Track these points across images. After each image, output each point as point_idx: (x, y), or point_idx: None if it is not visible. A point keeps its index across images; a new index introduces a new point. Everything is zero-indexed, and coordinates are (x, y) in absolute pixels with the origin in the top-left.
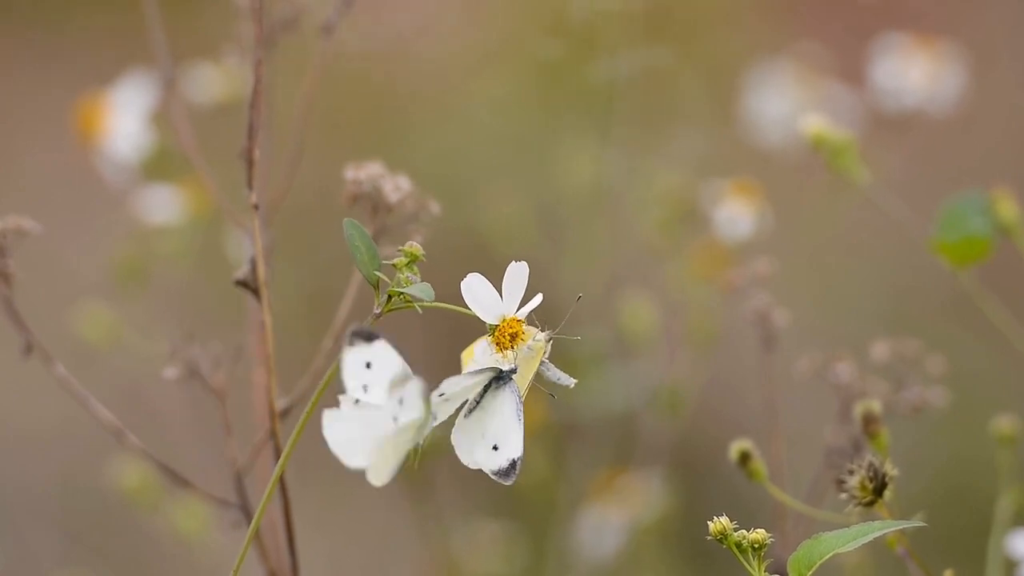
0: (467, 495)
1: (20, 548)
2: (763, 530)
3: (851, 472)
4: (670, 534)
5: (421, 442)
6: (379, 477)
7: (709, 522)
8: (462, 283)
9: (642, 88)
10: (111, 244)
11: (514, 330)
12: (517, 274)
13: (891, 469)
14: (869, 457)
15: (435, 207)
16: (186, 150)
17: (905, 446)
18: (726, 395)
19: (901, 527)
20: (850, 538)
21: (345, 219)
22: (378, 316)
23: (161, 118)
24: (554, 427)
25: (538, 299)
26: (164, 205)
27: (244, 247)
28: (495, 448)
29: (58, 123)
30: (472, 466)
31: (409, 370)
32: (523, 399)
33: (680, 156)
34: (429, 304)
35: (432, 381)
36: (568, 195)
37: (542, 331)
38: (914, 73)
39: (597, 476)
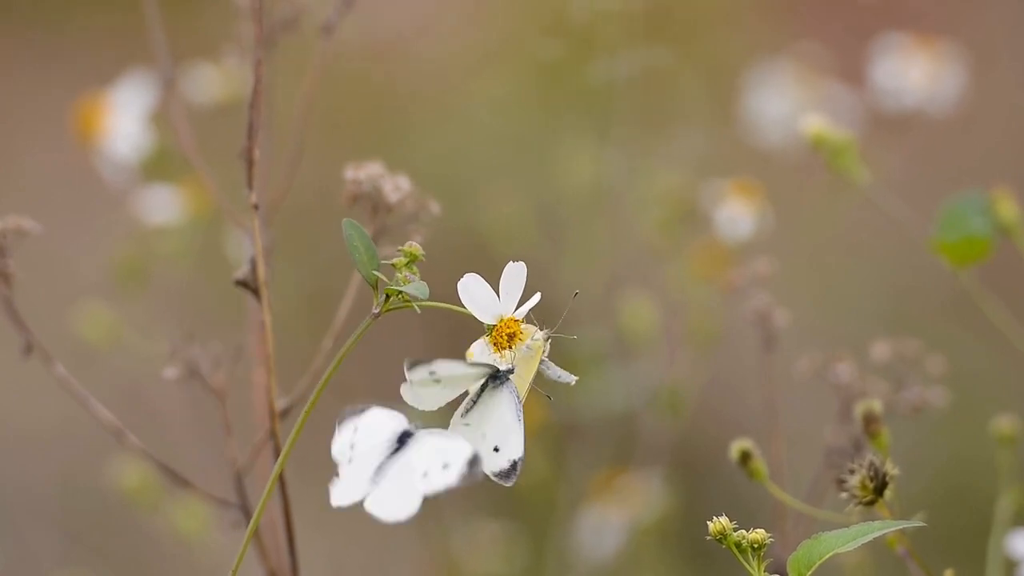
0: (467, 495)
1: (20, 548)
2: (763, 530)
3: (852, 471)
4: (670, 534)
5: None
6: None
7: (709, 522)
8: (459, 284)
9: (642, 88)
10: (111, 244)
11: (512, 330)
12: (515, 274)
13: (892, 468)
14: (870, 456)
15: (435, 207)
16: (186, 150)
17: (905, 446)
18: (726, 395)
19: (901, 527)
20: (850, 538)
21: (344, 219)
22: (377, 316)
23: (161, 118)
24: (554, 427)
25: (536, 298)
26: (164, 205)
27: (244, 247)
28: (496, 450)
29: (58, 123)
30: None
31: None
32: (524, 399)
33: (680, 156)
34: (427, 304)
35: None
36: (568, 195)
37: (541, 330)
38: (914, 73)
39: (597, 476)
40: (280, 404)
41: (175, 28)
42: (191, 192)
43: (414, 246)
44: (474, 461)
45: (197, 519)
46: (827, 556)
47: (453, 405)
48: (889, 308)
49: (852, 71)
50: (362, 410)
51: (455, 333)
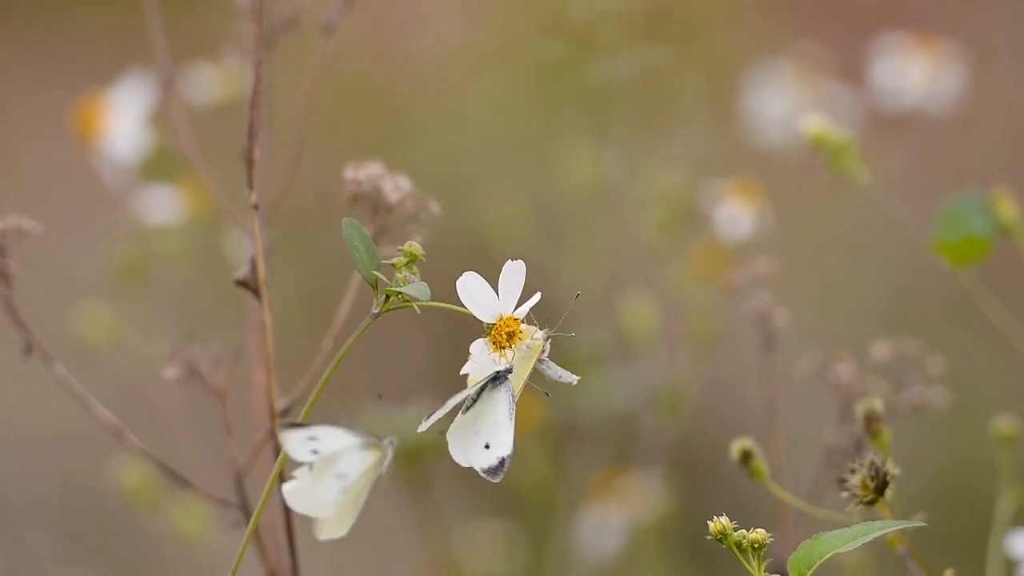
0: (467, 495)
1: (20, 548)
2: (763, 530)
3: (852, 471)
4: (670, 534)
5: (384, 471)
6: (337, 531)
7: (709, 522)
8: (457, 283)
9: (642, 88)
10: (111, 244)
11: (511, 329)
12: (514, 273)
13: (892, 468)
14: (870, 456)
15: (435, 207)
16: (186, 150)
17: (905, 446)
18: (726, 395)
19: (902, 527)
20: (850, 538)
21: (344, 219)
22: (377, 316)
23: (161, 118)
24: (554, 427)
25: (536, 298)
26: (164, 205)
27: (244, 247)
28: (487, 447)
29: (58, 123)
30: (464, 464)
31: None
32: (517, 397)
33: (680, 156)
34: (427, 304)
35: (431, 380)
36: (568, 195)
37: (540, 329)
38: (914, 73)
39: (597, 476)
40: (280, 404)
41: (175, 28)
42: (191, 192)
43: (414, 246)
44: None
45: (197, 519)
46: (827, 556)
47: (453, 413)
48: (889, 308)
49: (852, 71)
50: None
51: (455, 333)
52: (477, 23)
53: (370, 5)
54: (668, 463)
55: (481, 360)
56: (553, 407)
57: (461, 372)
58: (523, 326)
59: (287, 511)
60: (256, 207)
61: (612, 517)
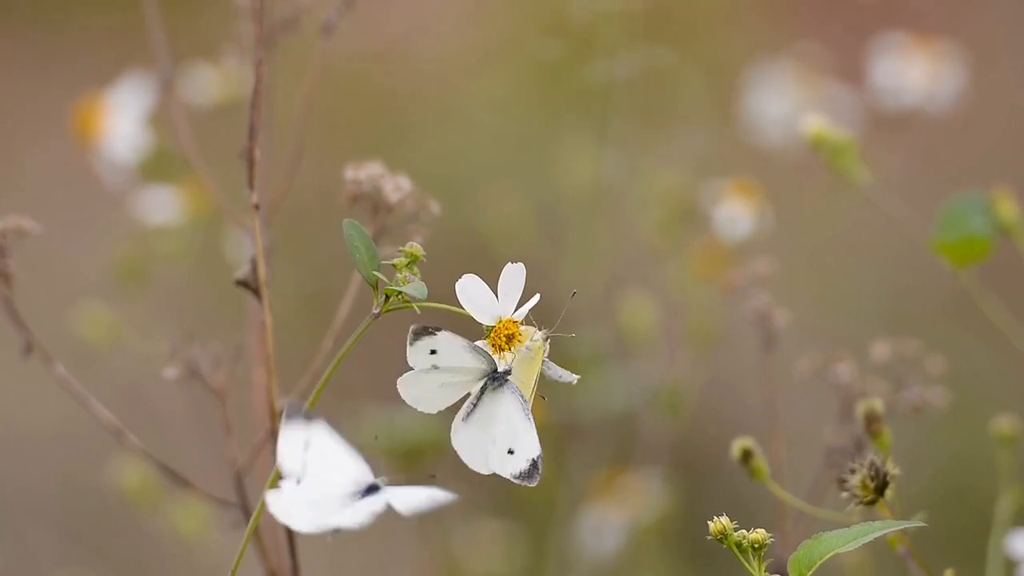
0: (467, 495)
1: (20, 548)
2: (763, 530)
3: (852, 471)
4: (670, 534)
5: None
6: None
7: (709, 522)
8: (456, 285)
9: (642, 88)
10: (111, 244)
11: (510, 331)
12: (514, 275)
13: (892, 468)
14: (870, 456)
15: (435, 207)
16: (185, 150)
17: (905, 446)
18: (726, 395)
19: (902, 527)
20: (851, 538)
21: (345, 219)
22: (377, 316)
23: (160, 118)
24: (554, 427)
25: (535, 299)
26: (163, 206)
27: (244, 247)
28: (511, 452)
29: (58, 123)
30: (485, 472)
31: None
32: (531, 402)
33: (680, 156)
34: (427, 304)
35: None
36: (568, 195)
37: (540, 330)
38: (913, 72)
39: (597, 476)
40: (280, 404)
41: (175, 28)
42: (191, 192)
43: (415, 247)
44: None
45: (197, 519)
46: (828, 556)
47: (452, 410)
48: (889, 308)
49: (852, 71)
50: (311, 417)
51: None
52: (477, 23)
53: (370, 5)
54: (668, 463)
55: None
56: (553, 407)
57: None
58: (522, 328)
59: None
60: (256, 207)
61: (612, 517)
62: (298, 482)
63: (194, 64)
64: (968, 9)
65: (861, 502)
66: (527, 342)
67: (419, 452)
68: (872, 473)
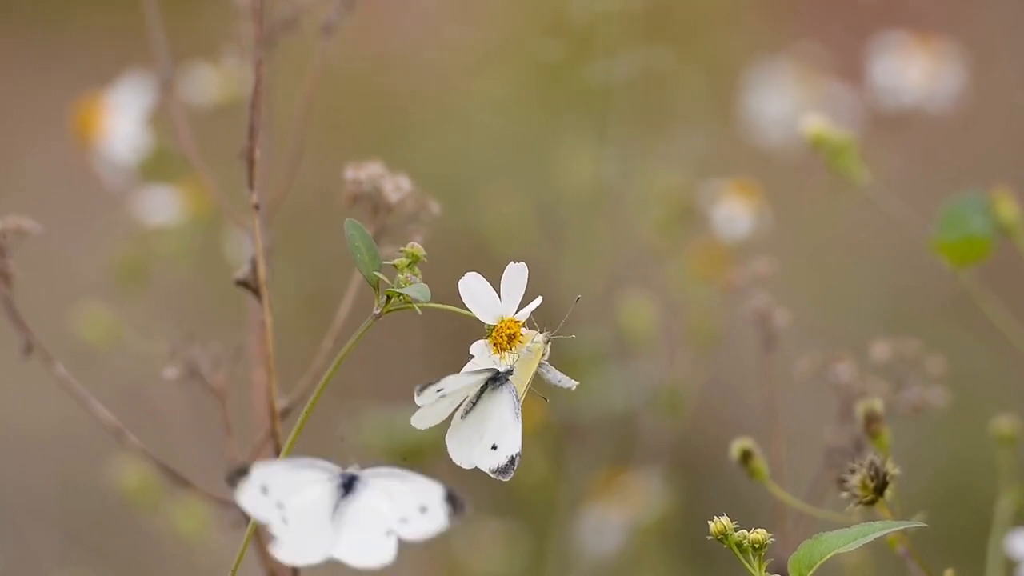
0: (467, 495)
1: (20, 548)
2: (763, 530)
3: (852, 471)
4: (670, 534)
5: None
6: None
7: (709, 522)
8: (460, 283)
9: (642, 88)
10: (111, 244)
11: (512, 331)
12: (516, 275)
13: (892, 468)
14: (870, 456)
15: (435, 207)
16: (185, 150)
17: (905, 446)
18: (726, 395)
19: (902, 527)
20: (851, 538)
21: (346, 219)
22: (378, 317)
23: (160, 118)
24: (554, 427)
25: (538, 301)
26: (163, 206)
27: (244, 247)
28: (494, 447)
29: (58, 123)
30: (467, 466)
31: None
32: (522, 401)
33: (680, 156)
34: (428, 305)
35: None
36: (568, 195)
37: (540, 332)
38: (913, 71)
39: (597, 476)
40: (280, 404)
41: (175, 28)
42: (191, 192)
43: (416, 247)
44: (451, 498)
45: (197, 519)
46: (828, 556)
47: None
48: (889, 308)
49: (852, 71)
50: (253, 469)
51: (456, 334)
52: (477, 23)
53: (370, 5)
54: (668, 463)
55: (481, 362)
56: (553, 407)
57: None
58: (524, 329)
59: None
60: (256, 207)
61: (612, 517)
62: (284, 521)
63: (194, 64)
64: (968, 9)
65: (861, 502)
66: (528, 343)
67: (419, 452)
68: (872, 473)
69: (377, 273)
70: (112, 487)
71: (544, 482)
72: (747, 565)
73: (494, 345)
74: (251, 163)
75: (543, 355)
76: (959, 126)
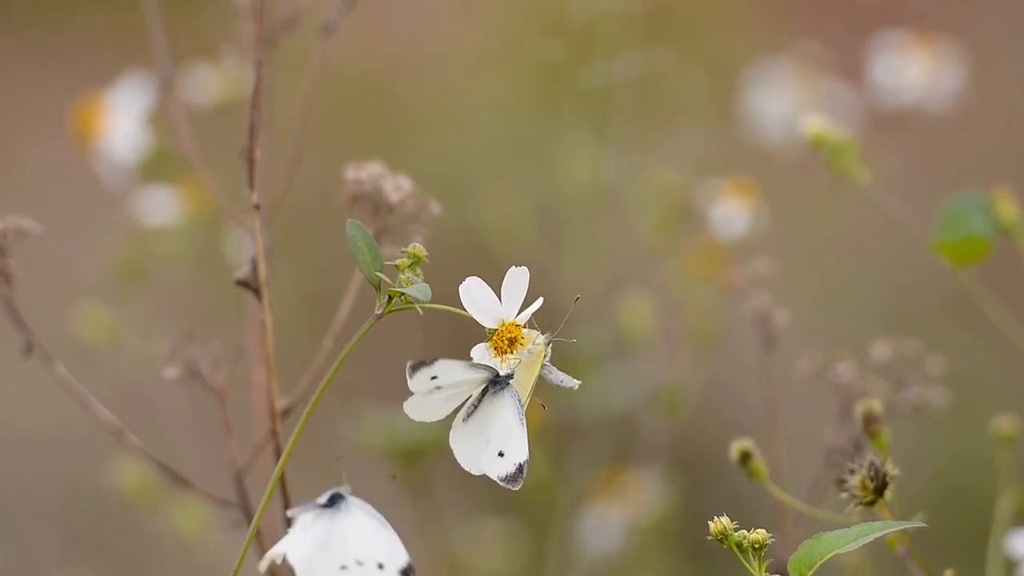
0: (467, 494)
1: (20, 548)
2: (763, 530)
3: (852, 471)
4: (670, 534)
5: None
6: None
7: (709, 522)
8: (460, 287)
9: (642, 88)
10: (111, 244)
11: (513, 335)
12: (517, 279)
13: (892, 469)
14: (870, 457)
15: (436, 207)
16: (186, 150)
17: (905, 446)
18: (726, 395)
19: (902, 527)
20: (851, 538)
21: (348, 220)
22: (380, 317)
23: (160, 118)
24: (554, 427)
25: (538, 303)
26: (163, 206)
27: (244, 247)
28: (500, 454)
29: (58, 123)
30: (476, 473)
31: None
32: (525, 405)
33: (680, 156)
34: (429, 306)
35: None
36: (568, 195)
37: (542, 334)
38: (913, 70)
39: (597, 476)
40: (280, 404)
41: (175, 28)
42: (191, 192)
43: (417, 247)
44: (407, 572)
45: (197, 519)
46: (828, 556)
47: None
48: (889, 308)
49: (852, 70)
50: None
51: (456, 335)
52: (477, 23)
53: (370, 5)
54: (668, 463)
55: (482, 363)
56: (553, 407)
57: None
58: (524, 331)
59: (287, 510)
60: (257, 207)
61: (612, 517)
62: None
63: (194, 64)
64: (968, 9)
65: (861, 503)
66: (529, 345)
67: (419, 452)
68: (872, 474)
69: (379, 273)
70: (112, 487)
71: (544, 482)
72: (747, 565)
73: (495, 349)
74: (251, 163)
75: (544, 356)
76: (959, 126)
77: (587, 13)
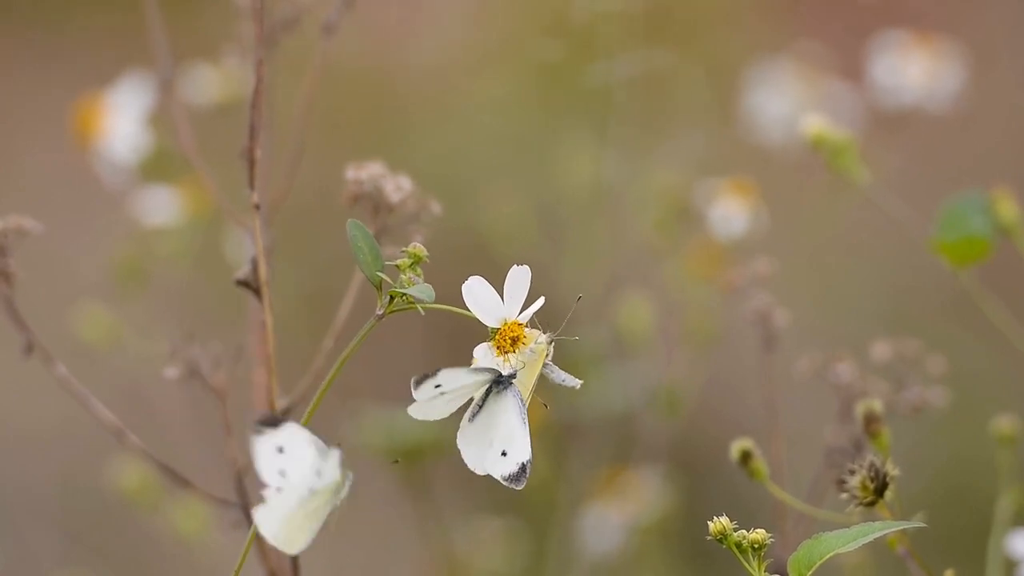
0: (467, 494)
1: (20, 548)
2: (763, 530)
3: (852, 472)
4: (670, 534)
5: (338, 504)
6: (294, 546)
7: (709, 522)
8: (463, 286)
9: (642, 88)
10: (111, 244)
11: (515, 334)
12: (519, 278)
13: (892, 469)
14: (870, 457)
15: (436, 207)
16: (186, 150)
17: (905, 446)
18: (726, 395)
19: (902, 527)
20: (851, 538)
21: (349, 220)
22: (381, 317)
23: (161, 118)
24: (554, 427)
25: (540, 302)
26: (163, 205)
27: (245, 247)
28: (504, 454)
29: (58, 123)
30: (480, 472)
31: (322, 443)
32: (528, 402)
33: (680, 156)
34: (431, 305)
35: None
36: (568, 195)
37: (543, 333)
38: (913, 70)
39: (597, 476)
40: (281, 404)
41: (175, 28)
42: (191, 192)
43: (418, 247)
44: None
45: (197, 519)
46: (828, 556)
47: (460, 411)
48: (889, 308)
49: (852, 70)
50: (276, 423)
51: (457, 334)
52: (477, 23)
53: (370, 5)
54: (668, 463)
55: (485, 365)
56: (553, 407)
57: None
58: (527, 330)
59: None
60: (257, 207)
61: (612, 516)
62: (278, 490)
63: (194, 64)
64: (968, 9)
65: (861, 503)
66: (531, 344)
67: (419, 452)
68: (872, 474)
69: (380, 273)
70: (112, 487)
71: (544, 482)
72: (747, 565)
73: (498, 348)
74: (251, 163)
75: (547, 356)
76: (959, 126)
77: (587, 13)
